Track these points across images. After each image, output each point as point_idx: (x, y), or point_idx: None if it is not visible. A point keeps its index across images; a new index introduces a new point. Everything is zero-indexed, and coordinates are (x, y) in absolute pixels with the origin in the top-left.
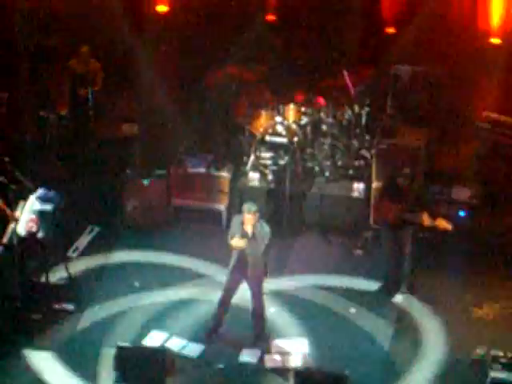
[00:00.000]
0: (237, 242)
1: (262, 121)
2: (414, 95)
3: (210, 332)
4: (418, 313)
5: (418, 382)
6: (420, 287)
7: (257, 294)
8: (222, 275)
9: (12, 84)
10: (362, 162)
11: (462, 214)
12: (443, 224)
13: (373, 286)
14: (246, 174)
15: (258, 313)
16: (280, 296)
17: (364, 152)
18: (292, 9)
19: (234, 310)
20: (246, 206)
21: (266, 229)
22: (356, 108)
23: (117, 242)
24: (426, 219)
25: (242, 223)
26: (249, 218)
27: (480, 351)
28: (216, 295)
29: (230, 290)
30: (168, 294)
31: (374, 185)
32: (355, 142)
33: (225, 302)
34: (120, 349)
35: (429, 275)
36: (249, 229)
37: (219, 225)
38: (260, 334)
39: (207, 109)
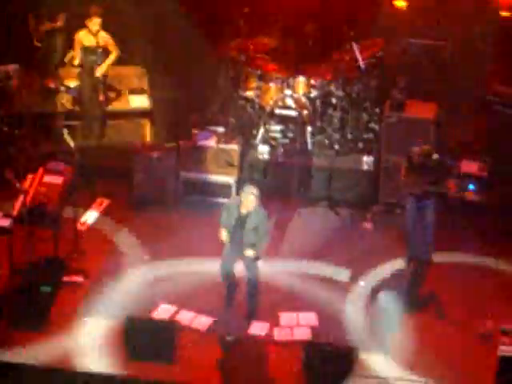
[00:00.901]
0: (224, 236)
1: (272, 94)
2: (423, 69)
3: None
4: (427, 285)
5: (424, 355)
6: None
7: (252, 272)
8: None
9: (22, 56)
10: (371, 135)
11: (471, 187)
12: (471, 195)
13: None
14: (255, 147)
15: (251, 291)
16: (289, 269)
17: (373, 125)
18: None
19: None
20: (249, 190)
21: (265, 213)
22: (365, 81)
23: (125, 214)
24: (452, 186)
25: (239, 207)
26: (250, 201)
27: (488, 325)
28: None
29: (230, 270)
30: (178, 267)
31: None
32: (365, 115)
33: (230, 284)
34: (129, 321)
35: (439, 248)
36: (251, 207)
37: (228, 198)
38: (252, 310)
39: (217, 82)
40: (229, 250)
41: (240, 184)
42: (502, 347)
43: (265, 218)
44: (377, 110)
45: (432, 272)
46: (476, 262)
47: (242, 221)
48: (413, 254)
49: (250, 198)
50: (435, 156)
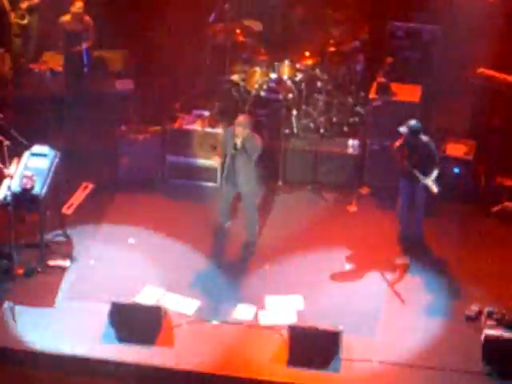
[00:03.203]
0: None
1: (257, 77)
2: (409, 52)
3: (217, 231)
4: (412, 268)
5: (411, 338)
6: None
7: (249, 206)
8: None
9: (5, 40)
10: (356, 119)
11: (456, 170)
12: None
13: (366, 240)
14: None
15: (250, 218)
16: (274, 253)
17: (359, 108)
18: None
19: (230, 267)
20: (238, 120)
21: (256, 142)
22: (350, 64)
23: (111, 198)
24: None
25: (233, 135)
26: (239, 131)
27: (474, 308)
28: (209, 251)
29: (227, 199)
30: (164, 250)
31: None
32: (350, 99)
33: (224, 210)
34: (114, 305)
35: (427, 229)
36: (238, 141)
37: (213, 181)
38: (250, 241)
39: (202, 65)
40: (226, 183)
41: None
42: (488, 329)
43: (257, 145)
44: (362, 93)
45: (421, 253)
46: (462, 244)
47: (235, 149)
48: (404, 235)
49: (239, 129)
50: (424, 138)
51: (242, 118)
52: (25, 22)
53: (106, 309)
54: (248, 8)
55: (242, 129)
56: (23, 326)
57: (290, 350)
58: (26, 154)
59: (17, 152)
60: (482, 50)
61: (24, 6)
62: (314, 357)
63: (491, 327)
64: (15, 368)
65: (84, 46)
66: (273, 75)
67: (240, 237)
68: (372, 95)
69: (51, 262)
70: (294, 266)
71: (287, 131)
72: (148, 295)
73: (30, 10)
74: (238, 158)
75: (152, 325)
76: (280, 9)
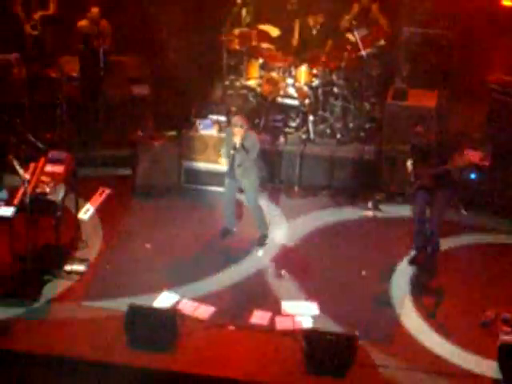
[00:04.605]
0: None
1: (274, 83)
2: (425, 58)
3: (223, 232)
4: (427, 274)
5: (426, 343)
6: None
7: (251, 201)
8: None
9: (22, 45)
10: (373, 125)
11: (473, 176)
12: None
13: (382, 246)
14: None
15: (256, 216)
16: (289, 258)
17: (375, 114)
18: None
19: (246, 272)
20: (233, 120)
21: (253, 140)
22: (367, 70)
23: (128, 203)
24: (457, 160)
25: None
26: (236, 131)
27: (489, 314)
28: (225, 257)
29: (229, 197)
30: (179, 255)
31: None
32: (366, 104)
33: (227, 208)
34: (131, 310)
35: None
36: (237, 140)
37: None
38: (261, 234)
39: (219, 71)
40: (228, 182)
41: None
42: (503, 335)
43: (255, 143)
44: (379, 98)
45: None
46: (477, 249)
47: (236, 149)
48: (421, 244)
49: (236, 129)
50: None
51: (237, 118)
52: (36, 32)
53: (122, 314)
54: (265, 13)
55: (238, 128)
56: (41, 330)
57: (306, 355)
58: (43, 158)
59: (33, 157)
60: (498, 55)
61: (36, 16)
62: (330, 362)
63: (507, 333)
64: (36, 371)
65: (100, 46)
66: (290, 81)
67: (255, 242)
68: (388, 101)
69: (67, 267)
70: (310, 271)
71: (304, 136)
72: (164, 301)
73: (45, 19)
74: (237, 157)
75: (168, 330)
76: (297, 14)
